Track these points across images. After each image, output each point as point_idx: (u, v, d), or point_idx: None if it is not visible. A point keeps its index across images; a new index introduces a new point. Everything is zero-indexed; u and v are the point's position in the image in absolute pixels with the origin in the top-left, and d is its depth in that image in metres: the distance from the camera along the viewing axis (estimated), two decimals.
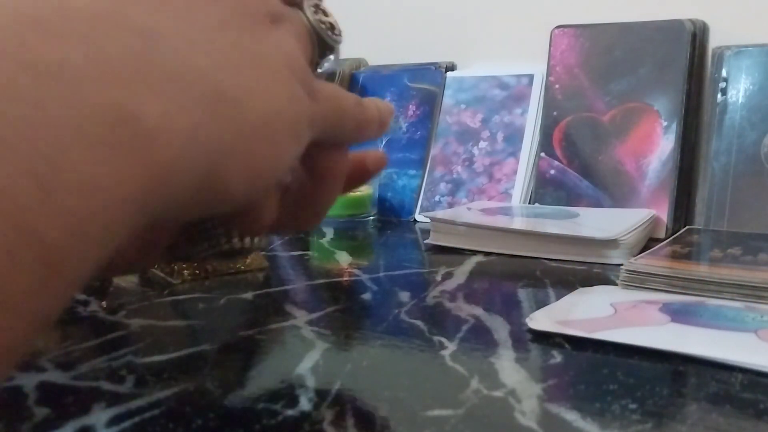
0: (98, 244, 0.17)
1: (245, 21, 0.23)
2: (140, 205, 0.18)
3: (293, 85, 0.24)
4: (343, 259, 0.59)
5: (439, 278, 0.51)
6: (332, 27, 0.29)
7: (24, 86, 0.15)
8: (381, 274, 0.53)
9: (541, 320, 0.38)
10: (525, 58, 0.82)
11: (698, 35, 0.70)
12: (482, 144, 0.80)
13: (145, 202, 0.18)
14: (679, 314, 0.39)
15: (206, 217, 0.29)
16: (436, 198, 0.80)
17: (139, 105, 0.18)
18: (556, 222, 0.63)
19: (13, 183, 0.14)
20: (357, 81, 0.91)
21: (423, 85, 0.86)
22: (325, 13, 0.29)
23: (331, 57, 0.30)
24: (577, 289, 0.46)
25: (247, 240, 0.38)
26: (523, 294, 0.47)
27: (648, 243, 0.61)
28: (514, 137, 0.78)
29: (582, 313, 0.40)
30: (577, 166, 0.73)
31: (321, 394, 0.29)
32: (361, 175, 0.32)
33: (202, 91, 0.20)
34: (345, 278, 0.53)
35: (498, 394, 0.29)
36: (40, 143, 0.15)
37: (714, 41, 0.72)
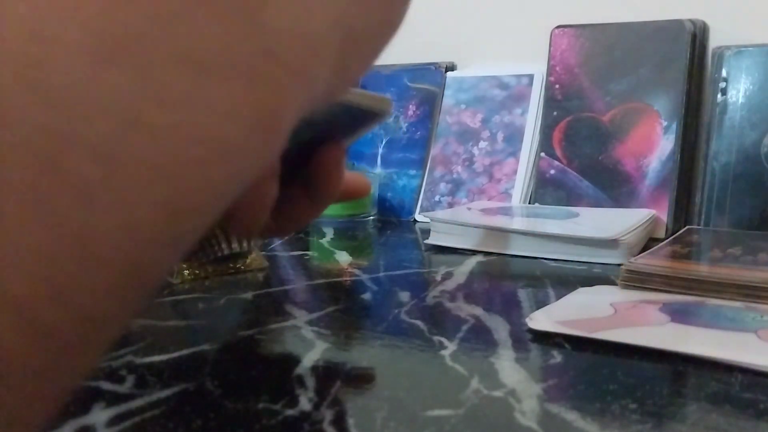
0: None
1: None
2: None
3: None
4: (343, 259, 0.59)
5: (439, 278, 0.51)
6: None
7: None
8: (381, 274, 0.53)
9: (541, 320, 0.38)
10: (525, 58, 0.82)
11: (698, 35, 0.70)
12: (482, 144, 0.80)
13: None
14: (679, 314, 0.39)
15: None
16: (436, 198, 0.80)
17: None
18: (556, 222, 0.63)
19: None
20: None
21: (423, 85, 0.86)
22: None
23: None
24: (577, 289, 0.46)
25: (244, 244, 0.38)
26: (523, 294, 0.47)
27: (648, 243, 0.61)
28: (514, 137, 0.78)
29: (582, 313, 0.40)
30: (577, 166, 0.73)
31: (321, 394, 0.29)
32: (346, 196, 0.33)
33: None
34: (345, 278, 0.53)
35: (498, 394, 0.29)
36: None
37: (714, 41, 0.72)
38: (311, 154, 0.30)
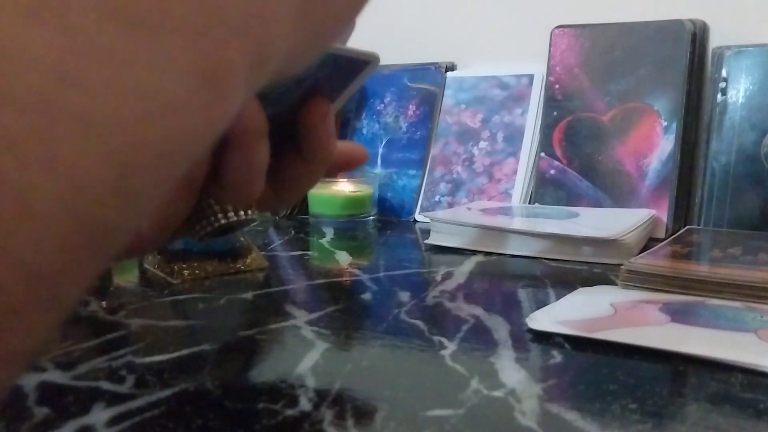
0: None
1: None
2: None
3: None
4: (343, 259, 0.59)
5: (439, 278, 0.51)
6: None
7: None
8: (381, 274, 0.53)
9: (541, 320, 0.38)
10: (525, 58, 0.82)
11: (698, 35, 0.70)
12: (482, 144, 0.80)
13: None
14: (679, 314, 0.39)
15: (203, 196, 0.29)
16: (436, 198, 0.80)
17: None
18: (556, 222, 0.63)
19: None
20: None
21: (423, 85, 0.86)
22: None
23: None
24: (577, 289, 0.46)
25: (242, 213, 0.38)
26: (523, 294, 0.47)
27: (648, 243, 0.61)
28: (514, 137, 0.78)
29: (582, 313, 0.40)
30: (577, 166, 0.73)
31: (321, 394, 0.29)
32: (345, 162, 0.32)
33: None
34: (345, 278, 0.53)
35: (498, 394, 0.29)
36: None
37: (714, 41, 0.72)
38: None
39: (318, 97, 0.29)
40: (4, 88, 0.13)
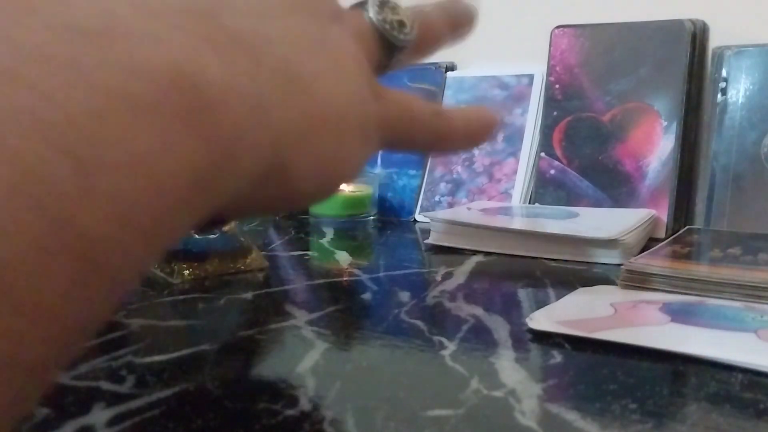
0: (147, 237, 0.14)
1: (310, 11, 0.21)
2: (200, 189, 0.15)
3: (360, 80, 0.22)
4: (343, 259, 0.59)
5: (439, 278, 0.51)
6: (401, 24, 0.26)
7: (59, 48, 0.13)
8: (381, 274, 0.53)
9: (541, 320, 0.38)
10: (525, 58, 0.82)
11: (698, 35, 0.70)
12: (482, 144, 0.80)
13: (206, 185, 0.15)
14: (679, 314, 0.39)
15: None
16: (436, 198, 0.80)
17: (200, 65, 0.15)
18: (556, 222, 0.63)
19: (44, 164, 0.12)
20: None
21: (423, 85, 0.86)
22: (394, 11, 0.26)
23: (401, 57, 0.27)
24: (577, 289, 0.46)
25: None
26: (523, 294, 0.47)
27: (648, 243, 0.61)
28: (514, 137, 0.78)
29: (582, 313, 0.40)
30: (577, 166, 0.73)
31: (321, 394, 0.29)
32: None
33: (271, 60, 0.17)
34: (345, 278, 0.53)
35: (498, 394, 0.29)
36: (78, 114, 0.12)
37: (714, 41, 0.72)
38: None
39: None
40: None
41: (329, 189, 0.21)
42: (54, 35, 0.13)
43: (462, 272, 0.53)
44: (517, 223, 0.64)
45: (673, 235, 0.62)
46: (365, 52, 0.24)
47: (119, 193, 0.13)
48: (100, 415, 0.28)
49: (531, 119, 0.78)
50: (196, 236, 0.52)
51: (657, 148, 0.70)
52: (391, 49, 0.26)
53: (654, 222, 0.66)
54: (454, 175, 0.80)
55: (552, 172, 0.75)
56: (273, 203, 0.20)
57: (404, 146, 0.26)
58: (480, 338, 0.37)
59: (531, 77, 0.80)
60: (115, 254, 0.13)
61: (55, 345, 0.13)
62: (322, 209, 0.77)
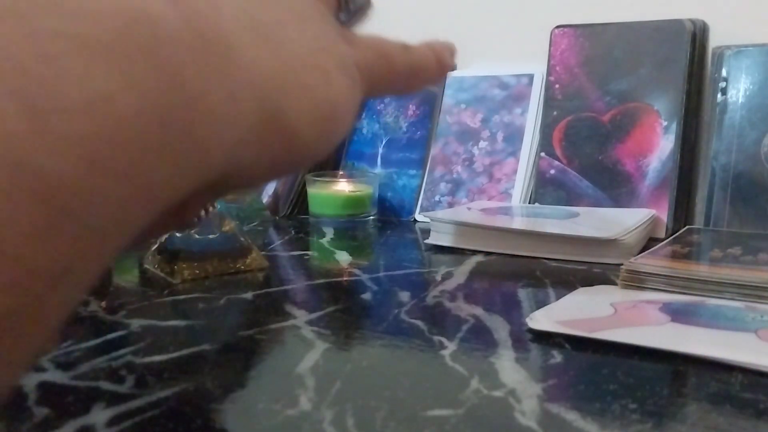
0: (128, 181, 0.14)
1: None
2: (177, 132, 0.15)
3: (325, 26, 0.22)
4: (343, 259, 0.59)
5: (439, 278, 0.51)
6: None
7: (4, 2, 0.13)
8: (381, 274, 0.53)
9: (541, 320, 0.38)
10: (525, 58, 0.82)
11: (698, 35, 0.70)
12: (482, 144, 0.80)
13: (182, 128, 0.15)
14: (679, 314, 0.39)
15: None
16: (436, 198, 0.80)
17: (155, 8, 0.14)
18: (556, 222, 0.63)
19: None
20: None
21: None
22: None
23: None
24: (577, 289, 0.46)
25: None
26: (523, 294, 0.47)
27: (648, 243, 0.61)
28: (514, 137, 0.78)
29: (582, 313, 0.40)
30: (577, 166, 0.73)
31: (321, 394, 0.29)
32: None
33: (230, 9, 0.17)
34: (345, 278, 0.53)
35: (498, 394, 0.29)
36: (25, 59, 0.12)
37: (714, 41, 0.72)
38: None
39: None
40: None
41: (330, 135, 0.21)
42: None
43: (462, 272, 0.53)
44: (517, 223, 0.64)
45: (673, 235, 0.62)
46: (323, 2, 0.24)
47: (79, 133, 0.13)
48: (100, 415, 0.28)
49: (531, 119, 0.78)
50: (197, 236, 0.52)
51: (657, 148, 0.70)
52: (348, 5, 0.26)
53: (654, 222, 0.66)
54: (454, 175, 0.80)
55: (552, 171, 0.75)
56: (279, 162, 0.20)
57: (385, 88, 0.26)
58: (480, 338, 0.37)
59: (531, 77, 0.80)
60: (89, 199, 0.13)
61: (22, 292, 0.12)
62: (322, 209, 0.77)
